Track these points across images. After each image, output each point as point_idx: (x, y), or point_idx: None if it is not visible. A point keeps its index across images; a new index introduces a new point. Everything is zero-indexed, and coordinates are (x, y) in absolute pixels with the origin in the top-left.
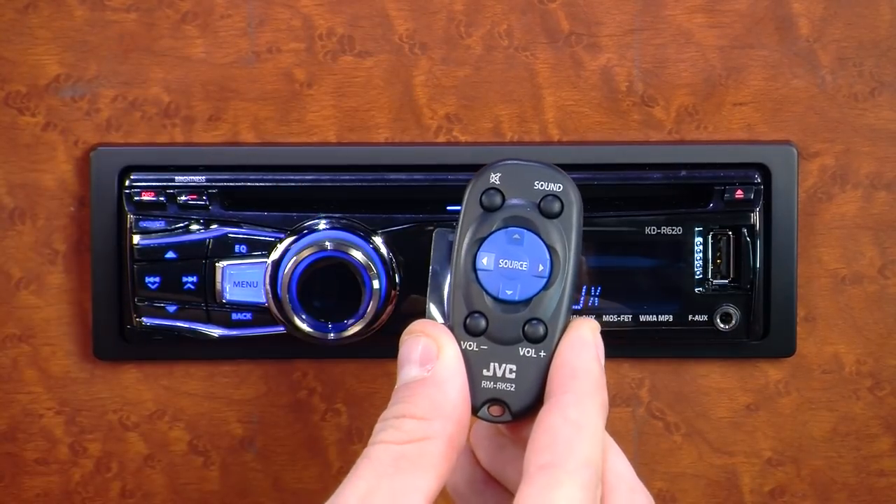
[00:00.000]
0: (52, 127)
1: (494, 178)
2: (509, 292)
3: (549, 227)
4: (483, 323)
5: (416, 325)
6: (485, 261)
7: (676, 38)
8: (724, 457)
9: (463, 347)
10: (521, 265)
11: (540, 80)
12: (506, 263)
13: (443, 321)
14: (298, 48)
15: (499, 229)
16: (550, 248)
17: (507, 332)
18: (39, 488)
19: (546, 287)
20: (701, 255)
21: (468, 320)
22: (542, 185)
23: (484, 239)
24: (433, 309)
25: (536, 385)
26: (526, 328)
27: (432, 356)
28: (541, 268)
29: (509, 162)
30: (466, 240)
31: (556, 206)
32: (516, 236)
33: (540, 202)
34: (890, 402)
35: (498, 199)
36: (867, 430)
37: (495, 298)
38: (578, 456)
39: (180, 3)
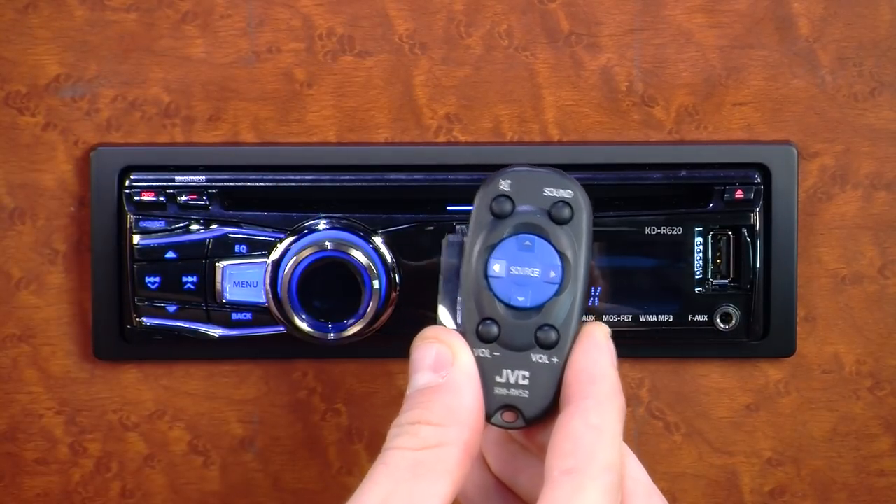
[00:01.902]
0: (52, 127)
1: (504, 185)
2: (521, 299)
3: (560, 233)
4: (495, 330)
5: (429, 332)
6: (496, 268)
7: (676, 38)
8: (724, 457)
9: (475, 354)
10: (533, 272)
11: (540, 80)
12: (517, 270)
13: (454, 328)
14: (298, 48)
15: (509, 236)
16: (561, 255)
17: (519, 339)
18: (39, 488)
19: (558, 293)
20: (701, 255)
21: (480, 327)
22: (551, 192)
23: (495, 246)
24: (445, 316)
25: (550, 391)
26: (538, 334)
27: (447, 362)
28: (552, 274)
29: (519, 168)
30: (477, 247)
31: (567, 212)
32: (527, 243)
33: (550, 208)
34: (890, 402)
35: (508, 206)
36: (867, 430)
37: (507, 305)
38: (601, 461)
39: (180, 3)
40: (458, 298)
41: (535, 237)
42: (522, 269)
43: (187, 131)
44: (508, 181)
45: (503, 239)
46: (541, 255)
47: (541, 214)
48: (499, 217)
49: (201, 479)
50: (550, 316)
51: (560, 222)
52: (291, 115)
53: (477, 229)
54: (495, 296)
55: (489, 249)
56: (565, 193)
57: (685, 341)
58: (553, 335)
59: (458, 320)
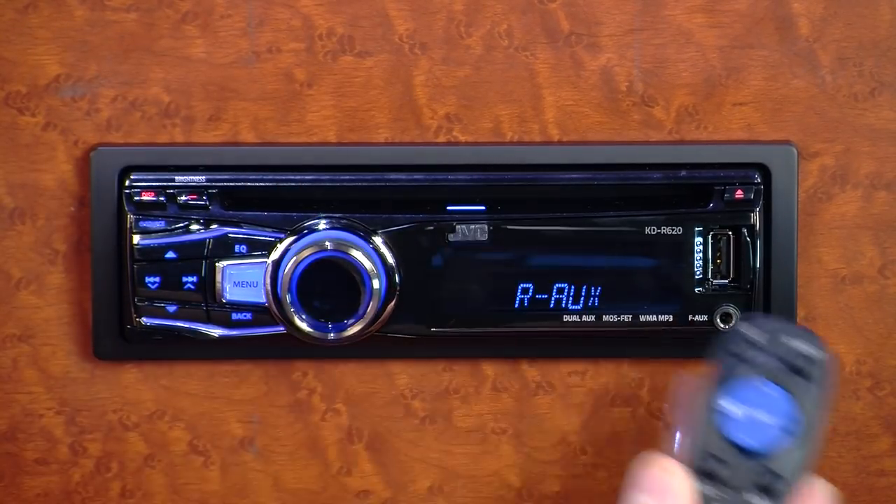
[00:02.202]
0: (52, 127)
1: (749, 331)
2: (751, 442)
3: (800, 386)
4: (719, 468)
5: (655, 458)
6: (730, 407)
7: (676, 38)
8: None
9: (696, 488)
10: (767, 417)
11: (540, 80)
12: (751, 413)
13: (681, 458)
14: (298, 48)
15: (749, 379)
16: (799, 406)
17: (741, 481)
18: (39, 488)
19: (789, 444)
20: (701, 255)
21: (704, 462)
22: (796, 344)
23: (732, 386)
24: (675, 445)
25: None
26: (763, 481)
27: (667, 491)
28: (787, 424)
29: (766, 318)
30: (715, 384)
31: (809, 367)
32: (766, 389)
33: (793, 360)
34: (890, 402)
35: (751, 352)
36: (867, 430)
37: (735, 446)
38: None
39: (180, 3)
40: (689, 431)
41: (774, 385)
42: (757, 414)
43: (187, 131)
44: (754, 328)
45: (742, 381)
46: (778, 403)
47: (783, 364)
48: (741, 360)
49: (201, 479)
50: (778, 464)
51: (801, 375)
52: (291, 115)
53: (718, 368)
54: (725, 435)
55: (726, 389)
56: (811, 350)
57: (685, 341)
58: (780, 485)
59: (686, 452)
